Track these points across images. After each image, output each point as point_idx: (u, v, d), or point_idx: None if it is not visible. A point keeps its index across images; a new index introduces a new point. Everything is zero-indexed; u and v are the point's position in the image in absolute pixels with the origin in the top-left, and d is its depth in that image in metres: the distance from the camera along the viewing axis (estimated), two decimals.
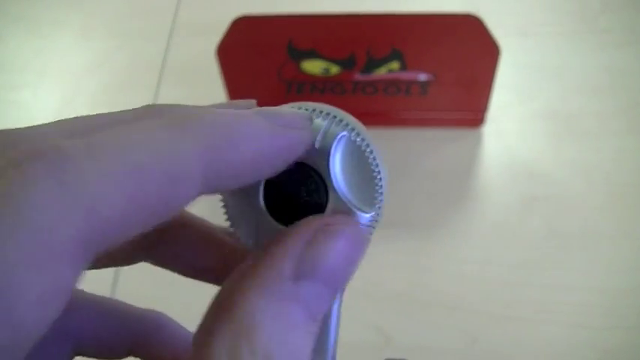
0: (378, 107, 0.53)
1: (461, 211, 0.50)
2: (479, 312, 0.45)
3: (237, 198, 0.17)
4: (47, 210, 0.11)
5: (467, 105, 0.53)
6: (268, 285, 0.14)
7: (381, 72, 0.52)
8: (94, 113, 0.15)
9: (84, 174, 0.12)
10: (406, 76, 0.52)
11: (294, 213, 0.17)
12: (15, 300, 0.11)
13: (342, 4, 0.58)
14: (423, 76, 0.51)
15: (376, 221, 0.17)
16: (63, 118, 0.15)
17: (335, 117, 0.17)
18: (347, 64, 0.52)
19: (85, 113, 0.15)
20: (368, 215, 0.17)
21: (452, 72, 0.51)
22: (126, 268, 0.20)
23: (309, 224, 0.16)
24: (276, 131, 0.15)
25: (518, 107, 0.55)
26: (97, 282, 0.19)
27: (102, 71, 0.60)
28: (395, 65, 0.51)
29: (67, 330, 0.19)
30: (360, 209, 0.17)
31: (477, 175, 0.52)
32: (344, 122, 0.17)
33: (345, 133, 0.17)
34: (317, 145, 0.17)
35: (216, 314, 0.14)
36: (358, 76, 0.52)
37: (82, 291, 0.19)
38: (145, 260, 0.20)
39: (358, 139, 0.17)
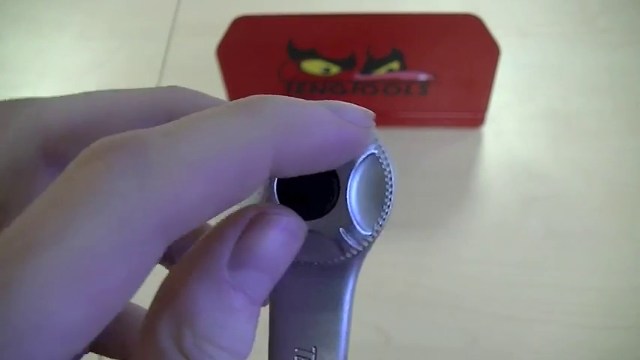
0: (378, 107, 0.52)
1: (461, 211, 0.50)
2: (479, 312, 0.45)
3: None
4: (129, 200, 0.12)
5: (467, 105, 0.53)
6: (207, 273, 0.15)
7: (381, 72, 0.52)
8: None
9: (164, 164, 0.12)
10: (406, 76, 0.52)
11: (301, 208, 0.17)
12: (97, 285, 0.11)
13: (342, 4, 0.58)
14: (423, 76, 0.51)
15: (369, 242, 0.17)
16: None
17: None
18: (347, 64, 0.52)
19: None
20: (363, 233, 0.17)
21: (452, 72, 0.51)
22: None
23: (245, 213, 0.16)
24: (342, 125, 0.15)
25: (518, 107, 0.55)
26: None
27: (102, 71, 0.60)
28: (395, 65, 0.51)
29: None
30: (359, 224, 0.17)
31: (477, 175, 0.52)
32: (373, 137, 0.17)
33: (374, 150, 0.17)
34: None
35: (161, 302, 0.14)
36: (358, 76, 0.52)
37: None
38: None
39: (384, 162, 0.17)
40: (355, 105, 0.16)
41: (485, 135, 0.53)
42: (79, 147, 0.15)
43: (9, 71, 0.61)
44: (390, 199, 0.17)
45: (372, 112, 0.17)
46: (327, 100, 0.16)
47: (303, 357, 0.17)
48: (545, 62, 0.57)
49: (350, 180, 0.17)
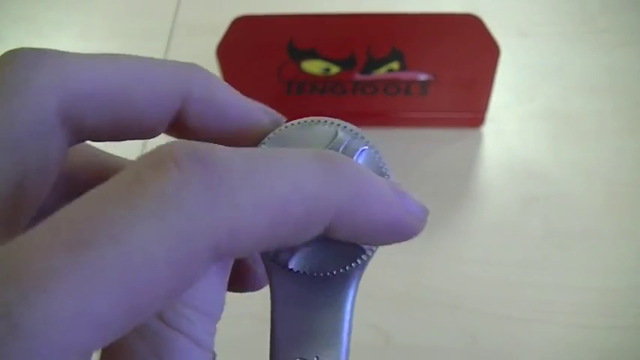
0: (378, 107, 0.53)
1: (461, 211, 0.50)
2: (478, 311, 0.45)
3: None
4: (195, 217, 0.11)
5: (467, 105, 0.53)
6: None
7: (381, 72, 0.52)
8: None
9: (236, 190, 0.12)
10: (406, 76, 0.52)
11: None
12: (140, 292, 0.11)
13: (342, 4, 0.58)
14: (422, 76, 0.51)
15: None
16: None
17: (357, 133, 0.18)
18: (347, 64, 0.52)
19: None
20: None
21: (452, 72, 0.51)
22: None
23: None
24: (402, 210, 0.15)
25: (517, 107, 0.55)
26: None
27: None
28: (395, 65, 0.51)
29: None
30: None
31: (476, 175, 0.52)
32: (365, 139, 0.18)
33: (366, 147, 0.18)
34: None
35: None
36: (358, 76, 0.52)
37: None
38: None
39: (377, 157, 0.18)
40: (413, 198, 0.17)
41: (485, 135, 0.53)
42: (98, 113, 0.15)
43: None
44: None
45: (427, 209, 0.17)
46: (393, 182, 0.16)
47: None
48: (545, 62, 0.57)
49: None
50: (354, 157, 0.17)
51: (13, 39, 0.63)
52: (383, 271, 0.47)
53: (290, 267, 0.17)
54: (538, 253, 0.47)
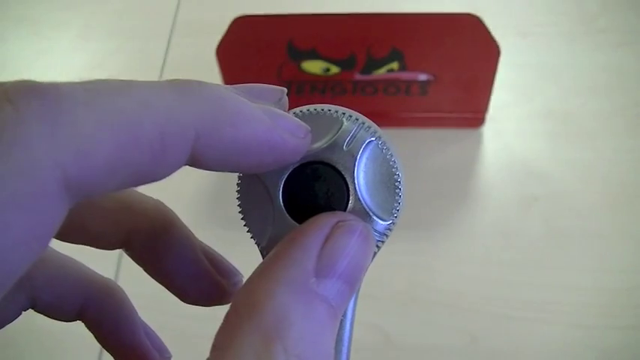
0: (378, 107, 0.53)
1: (461, 211, 0.50)
2: (478, 311, 0.45)
3: (252, 194, 0.17)
4: (36, 150, 0.11)
5: (467, 105, 0.53)
6: (294, 282, 0.14)
7: (381, 72, 0.52)
8: None
9: (78, 117, 0.12)
10: (406, 76, 0.52)
11: (312, 213, 0.16)
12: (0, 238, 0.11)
13: (342, 4, 0.58)
14: (422, 76, 0.51)
15: (390, 230, 0.17)
16: None
17: (363, 123, 0.17)
18: (347, 64, 0.52)
19: None
20: (384, 223, 0.17)
21: (452, 72, 0.51)
22: (127, 264, 0.20)
23: (325, 220, 0.15)
24: (272, 128, 0.15)
25: (517, 107, 0.55)
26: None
27: (102, 71, 0.60)
28: (395, 65, 0.51)
29: (24, 278, 0.18)
30: (378, 216, 0.17)
31: (476, 174, 0.52)
32: (372, 129, 0.17)
33: (372, 139, 0.17)
34: (345, 148, 0.17)
35: (240, 314, 0.14)
36: (358, 76, 0.52)
37: None
38: (123, 249, 0.19)
39: (384, 148, 0.17)
40: (292, 116, 0.16)
41: (485, 135, 0.53)
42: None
43: (10, 72, 0.61)
44: (400, 182, 0.17)
45: (307, 127, 0.16)
46: (269, 107, 0.15)
47: None
48: (544, 62, 0.57)
49: (356, 173, 0.17)
50: (361, 149, 0.17)
51: (14, 40, 0.63)
52: (383, 271, 0.47)
53: None
54: (537, 252, 0.47)
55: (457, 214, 0.50)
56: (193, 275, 0.19)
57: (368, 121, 0.17)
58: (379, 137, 0.17)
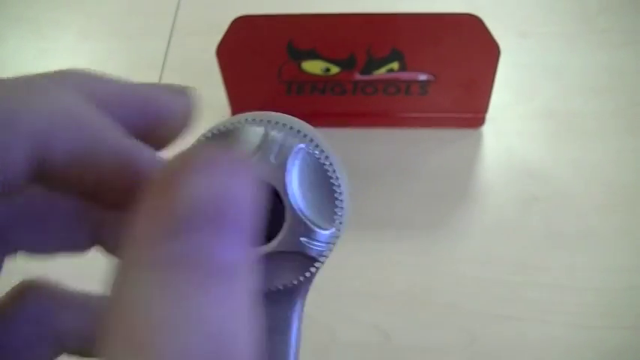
0: (378, 107, 0.53)
1: (461, 211, 0.50)
2: (478, 312, 0.45)
3: None
4: None
5: (467, 105, 0.53)
6: (139, 260, 0.10)
7: (381, 72, 0.52)
8: None
9: None
10: (406, 76, 0.52)
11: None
12: None
13: (342, 4, 0.58)
14: (423, 76, 0.51)
15: (337, 237, 0.16)
16: None
17: (291, 128, 0.16)
18: (347, 64, 0.52)
19: None
20: (327, 232, 0.16)
21: (452, 72, 0.51)
22: None
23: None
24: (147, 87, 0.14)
25: (517, 107, 0.55)
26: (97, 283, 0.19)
27: (102, 71, 0.60)
28: (395, 65, 0.51)
29: (51, 330, 0.17)
30: (318, 225, 0.16)
31: (477, 175, 0.52)
32: (301, 133, 0.16)
33: (302, 145, 0.16)
34: (273, 160, 0.16)
35: (106, 326, 0.10)
36: (358, 76, 0.52)
37: (64, 290, 0.18)
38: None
39: (317, 152, 0.16)
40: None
41: (485, 135, 0.53)
42: None
43: (9, 72, 0.61)
44: (339, 185, 0.16)
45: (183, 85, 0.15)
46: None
47: None
48: (545, 62, 0.57)
49: (288, 185, 0.16)
50: (290, 158, 0.16)
51: (13, 40, 0.63)
52: (383, 271, 0.47)
53: None
54: (538, 253, 0.47)
55: (457, 214, 0.50)
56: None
57: (298, 124, 0.16)
58: (311, 140, 0.16)
